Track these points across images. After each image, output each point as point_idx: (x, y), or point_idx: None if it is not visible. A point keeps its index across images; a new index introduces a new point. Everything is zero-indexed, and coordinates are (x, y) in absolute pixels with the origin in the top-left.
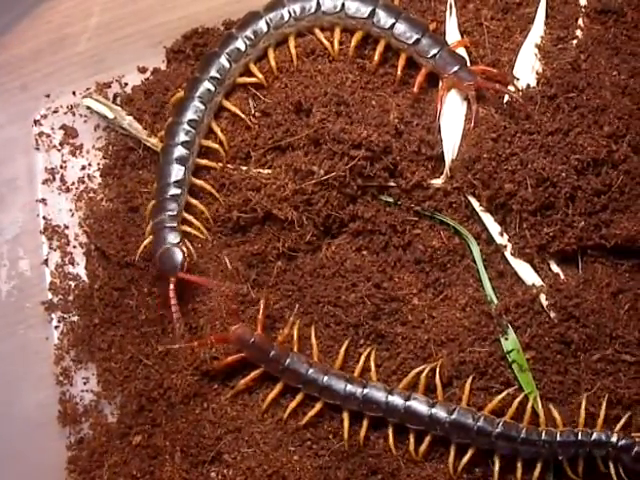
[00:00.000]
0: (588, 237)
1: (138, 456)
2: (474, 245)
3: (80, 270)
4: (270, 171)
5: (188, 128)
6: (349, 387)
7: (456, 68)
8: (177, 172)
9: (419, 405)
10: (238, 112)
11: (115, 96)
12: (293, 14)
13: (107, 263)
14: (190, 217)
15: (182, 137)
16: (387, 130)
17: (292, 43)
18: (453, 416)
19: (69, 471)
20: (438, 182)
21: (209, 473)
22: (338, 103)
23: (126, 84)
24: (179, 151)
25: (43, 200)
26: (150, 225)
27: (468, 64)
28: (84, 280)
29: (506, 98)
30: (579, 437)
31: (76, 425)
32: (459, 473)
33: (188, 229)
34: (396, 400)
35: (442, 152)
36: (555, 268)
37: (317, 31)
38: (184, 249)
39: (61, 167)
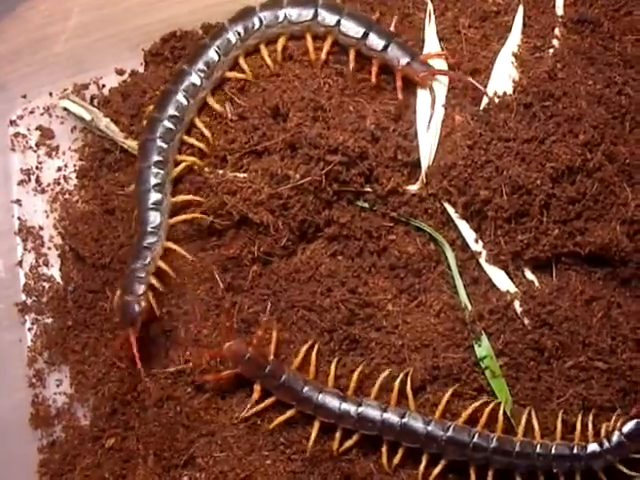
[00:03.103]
0: (562, 245)
1: (111, 459)
2: (449, 251)
3: (54, 272)
4: (246, 175)
5: (169, 124)
6: (344, 405)
7: (407, 59)
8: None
9: (415, 423)
10: (220, 109)
11: (92, 98)
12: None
13: (82, 265)
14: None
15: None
16: (363, 136)
17: (264, 52)
18: (449, 433)
19: (40, 474)
20: (414, 188)
21: (182, 477)
22: (315, 108)
23: (104, 86)
24: (157, 156)
25: (18, 201)
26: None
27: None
28: (58, 282)
29: (482, 106)
30: (574, 451)
31: (48, 428)
32: None
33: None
34: (391, 418)
35: (418, 158)
36: (529, 275)
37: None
38: (143, 304)
39: (37, 168)
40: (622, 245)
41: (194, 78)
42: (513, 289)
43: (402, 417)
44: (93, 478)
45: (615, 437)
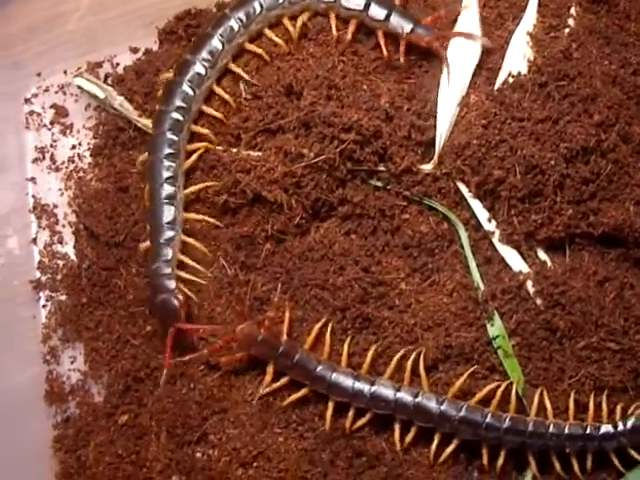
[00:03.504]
0: (576, 225)
1: (124, 436)
2: (462, 231)
3: (69, 249)
4: (260, 153)
5: (177, 116)
6: (357, 384)
7: (411, 26)
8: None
9: (428, 402)
10: (228, 98)
11: (106, 76)
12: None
13: (96, 243)
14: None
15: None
16: (377, 114)
17: (272, 35)
18: (462, 413)
19: (55, 450)
20: (427, 167)
21: (194, 453)
22: (329, 86)
23: (117, 64)
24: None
25: (33, 179)
26: (149, 272)
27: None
28: (72, 259)
29: (497, 85)
30: (588, 431)
31: (62, 404)
32: (443, 460)
33: (184, 274)
34: (405, 397)
35: (432, 138)
36: (542, 255)
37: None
38: (180, 297)
39: (51, 146)
40: (635, 226)
41: (198, 68)
42: (526, 269)
43: (415, 396)
44: (106, 454)
45: (631, 421)
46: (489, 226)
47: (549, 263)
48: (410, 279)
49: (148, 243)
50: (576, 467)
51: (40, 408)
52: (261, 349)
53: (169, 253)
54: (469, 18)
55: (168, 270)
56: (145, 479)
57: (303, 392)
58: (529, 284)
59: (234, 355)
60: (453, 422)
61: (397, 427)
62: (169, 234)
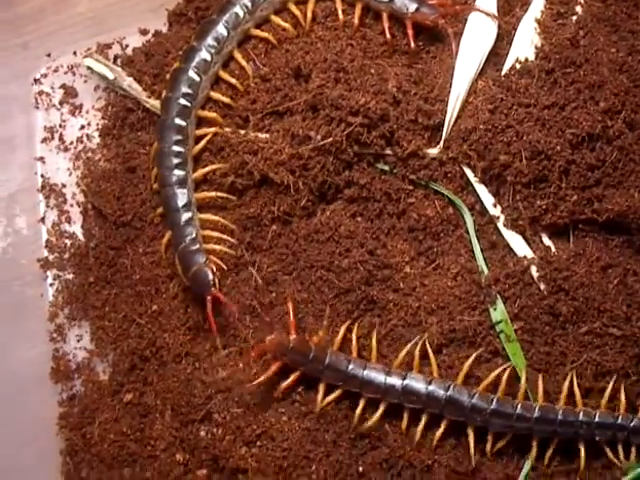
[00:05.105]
0: (580, 211)
1: (129, 413)
2: (467, 215)
3: (76, 229)
4: (268, 135)
5: (184, 102)
6: (389, 380)
7: (415, 6)
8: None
9: (460, 396)
10: (235, 82)
11: (116, 57)
12: None
13: (103, 222)
14: (210, 233)
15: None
16: (385, 98)
17: (296, 11)
18: (492, 406)
19: (60, 427)
20: (434, 152)
21: (199, 432)
22: (337, 70)
23: (127, 46)
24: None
25: (41, 158)
26: (175, 255)
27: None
28: (80, 239)
29: (504, 71)
30: (619, 421)
31: (68, 382)
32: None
33: (212, 246)
34: (436, 391)
35: (439, 122)
36: (547, 241)
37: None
38: (212, 267)
39: (60, 126)
40: None
41: (204, 54)
42: (530, 254)
43: (447, 390)
44: (111, 431)
45: None
46: (494, 211)
47: (553, 248)
48: (415, 262)
49: (169, 234)
50: (610, 455)
51: (46, 386)
52: (292, 357)
53: (193, 232)
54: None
55: (196, 246)
56: (149, 456)
57: (337, 394)
58: (533, 269)
59: (269, 372)
60: (484, 415)
61: (405, 416)
62: (187, 215)
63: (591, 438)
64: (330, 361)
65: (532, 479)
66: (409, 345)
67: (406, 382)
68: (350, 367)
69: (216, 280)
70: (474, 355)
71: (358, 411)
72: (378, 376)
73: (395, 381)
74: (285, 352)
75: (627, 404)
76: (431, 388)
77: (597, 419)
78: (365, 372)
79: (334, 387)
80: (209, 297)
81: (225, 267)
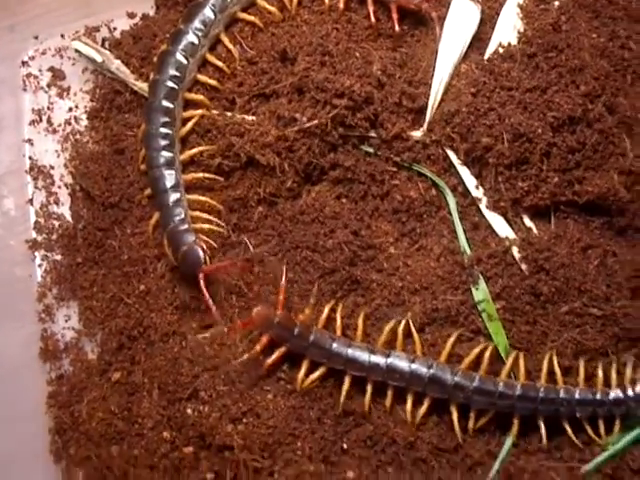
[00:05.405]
0: (561, 193)
1: (117, 392)
2: (450, 197)
3: (64, 210)
4: (254, 117)
5: (171, 84)
6: (373, 358)
7: None
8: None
9: (443, 374)
10: (222, 65)
11: (104, 40)
12: None
13: (91, 204)
14: (198, 214)
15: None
16: (369, 81)
17: None
18: (475, 384)
19: (49, 405)
20: (418, 134)
21: (185, 410)
22: (323, 53)
23: (115, 28)
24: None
25: (29, 140)
26: (164, 235)
27: None
28: (68, 220)
29: (487, 55)
30: (597, 396)
31: (57, 361)
32: (420, 421)
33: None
34: (419, 369)
35: (422, 105)
36: (528, 222)
37: None
38: (202, 244)
39: (48, 108)
40: (619, 195)
41: (192, 37)
42: (512, 235)
43: (429, 368)
44: (99, 410)
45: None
46: (477, 192)
47: (534, 230)
48: (399, 243)
49: (157, 215)
50: (590, 432)
51: (35, 365)
52: (277, 331)
53: (181, 212)
54: None
55: (185, 226)
56: (137, 435)
57: (322, 371)
58: (515, 250)
59: (258, 348)
60: (467, 393)
61: (389, 394)
62: (176, 196)
63: (572, 415)
64: (315, 338)
65: (513, 456)
66: (392, 322)
67: (390, 360)
68: (334, 345)
69: (207, 257)
70: (456, 334)
71: (345, 387)
72: (362, 354)
73: (379, 359)
74: (271, 326)
75: (604, 381)
76: (414, 366)
77: (577, 396)
78: (349, 350)
79: (319, 365)
80: (201, 275)
81: (215, 245)
